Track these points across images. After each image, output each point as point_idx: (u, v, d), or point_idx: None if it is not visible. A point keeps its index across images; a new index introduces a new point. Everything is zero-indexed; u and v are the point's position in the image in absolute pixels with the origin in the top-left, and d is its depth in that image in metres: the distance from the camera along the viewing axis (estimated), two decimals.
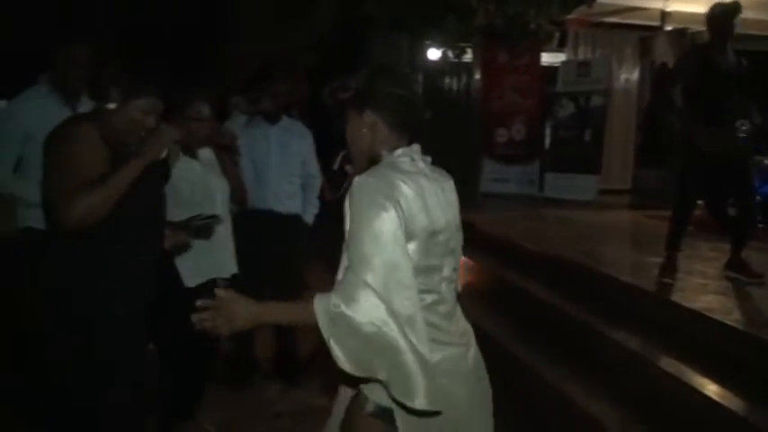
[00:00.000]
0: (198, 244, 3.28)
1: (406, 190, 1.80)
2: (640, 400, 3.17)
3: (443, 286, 1.94)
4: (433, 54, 8.42)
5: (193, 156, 3.40)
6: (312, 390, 4.37)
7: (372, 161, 1.93)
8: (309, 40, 7.21)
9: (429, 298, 1.89)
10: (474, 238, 5.57)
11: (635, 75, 9.28)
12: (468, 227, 5.71)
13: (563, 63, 8.74)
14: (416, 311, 1.74)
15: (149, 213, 2.63)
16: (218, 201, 3.47)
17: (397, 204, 1.75)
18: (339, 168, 2.46)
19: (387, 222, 1.73)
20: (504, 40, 8.09)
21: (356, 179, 1.80)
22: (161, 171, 2.73)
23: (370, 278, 1.70)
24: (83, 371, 2.48)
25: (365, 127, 1.94)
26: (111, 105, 2.45)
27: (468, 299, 4.72)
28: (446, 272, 1.95)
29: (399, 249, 1.74)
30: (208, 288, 3.45)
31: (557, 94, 8.37)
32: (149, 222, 2.64)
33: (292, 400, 4.22)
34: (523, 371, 3.76)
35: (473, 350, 2.03)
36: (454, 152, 8.13)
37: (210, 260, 3.44)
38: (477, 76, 8.59)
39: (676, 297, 3.69)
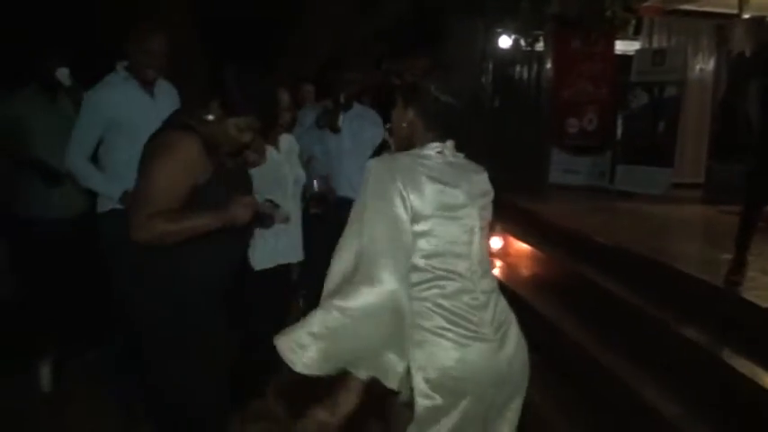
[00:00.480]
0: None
1: (419, 174, 1.91)
2: (709, 398, 3.15)
3: (473, 276, 1.99)
4: (505, 42, 8.38)
5: (273, 143, 3.49)
6: None
7: (409, 147, 2.06)
8: (381, 27, 7.24)
9: (450, 286, 1.94)
10: (542, 230, 5.59)
11: (710, 65, 9.00)
12: (536, 217, 5.72)
13: (637, 51, 8.52)
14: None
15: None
16: (290, 189, 3.56)
17: (403, 194, 1.87)
18: (382, 142, 2.56)
19: (392, 207, 1.86)
20: (578, 27, 7.99)
21: (369, 163, 1.94)
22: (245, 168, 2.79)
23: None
24: (169, 350, 2.59)
25: (405, 121, 2.07)
26: (210, 117, 2.52)
27: (537, 291, 4.78)
28: (475, 262, 2.00)
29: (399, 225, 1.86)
30: (275, 273, 3.58)
31: (630, 84, 8.20)
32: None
33: None
34: (591, 364, 3.75)
35: (509, 348, 2.03)
36: (523, 142, 8.11)
37: (278, 245, 3.55)
38: (549, 65, 8.51)
39: (747, 294, 3.62)
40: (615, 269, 4.45)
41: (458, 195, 1.98)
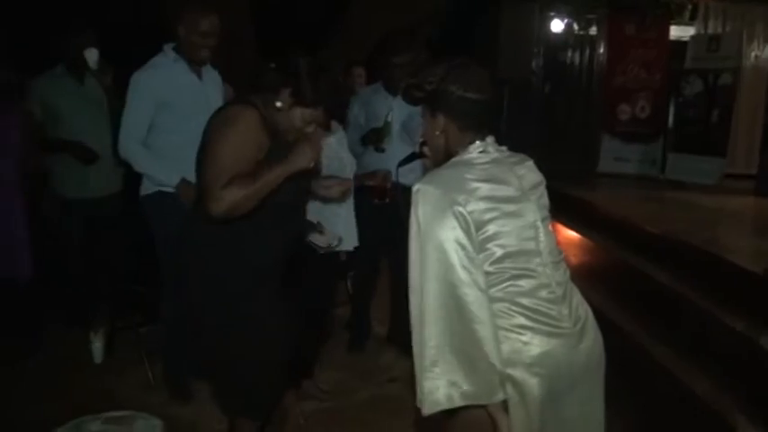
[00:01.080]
0: (322, 215, 3.43)
1: (469, 182, 1.89)
2: (758, 390, 3.11)
3: (546, 270, 1.94)
4: (557, 26, 8.28)
5: (328, 129, 3.52)
6: None
7: (449, 156, 2.02)
8: (431, 10, 7.22)
9: (527, 284, 1.91)
10: (591, 218, 5.55)
11: (766, 52, 8.80)
12: (586, 205, 5.67)
13: (692, 37, 8.32)
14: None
15: (293, 190, 2.73)
16: (349, 174, 3.61)
17: (459, 211, 1.84)
18: (418, 152, 2.55)
19: (449, 231, 1.84)
20: (633, 11, 7.86)
21: (417, 186, 1.89)
22: None
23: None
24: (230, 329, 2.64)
25: (438, 129, 2.02)
26: (279, 104, 2.56)
27: (585, 279, 4.74)
28: (545, 255, 1.96)
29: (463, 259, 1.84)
30: (326, 256, 3.62)
31: (684, 71, 8.04)
32: (293, 198, 2.74)
33: (405, 367, 4.34)
34: (640, 354, 3.73)
35: (588, 340, 2.01)
36: (574, 128, 8.03)
37: (334, 231, 3.58)
38: (602, 50, 8.39)
39: None
40: (664, 259, 4.40)
41: (511, 192, 1.94)
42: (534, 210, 1.98)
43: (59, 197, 4.48)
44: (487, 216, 1.87)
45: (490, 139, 2.03)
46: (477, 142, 2.00)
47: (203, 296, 2.68)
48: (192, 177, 3.11)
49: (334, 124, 3.67)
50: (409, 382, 4.05)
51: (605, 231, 5.18)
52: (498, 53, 4.37)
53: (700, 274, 4.07)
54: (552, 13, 8.10)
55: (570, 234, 5.61)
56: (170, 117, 3.57)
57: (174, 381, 3.90)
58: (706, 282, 3.98)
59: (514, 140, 5.71)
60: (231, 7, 5.97)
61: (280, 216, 2.64)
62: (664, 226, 4.82)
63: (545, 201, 2.09)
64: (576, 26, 8.19)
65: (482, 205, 1.87)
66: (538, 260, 1.94)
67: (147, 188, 3.73)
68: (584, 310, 2.07)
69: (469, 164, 1.96)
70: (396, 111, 4.30)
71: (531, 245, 1.93)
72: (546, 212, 2.06)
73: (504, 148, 2.07)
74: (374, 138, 4.20)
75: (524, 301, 1.89)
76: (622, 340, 3.90)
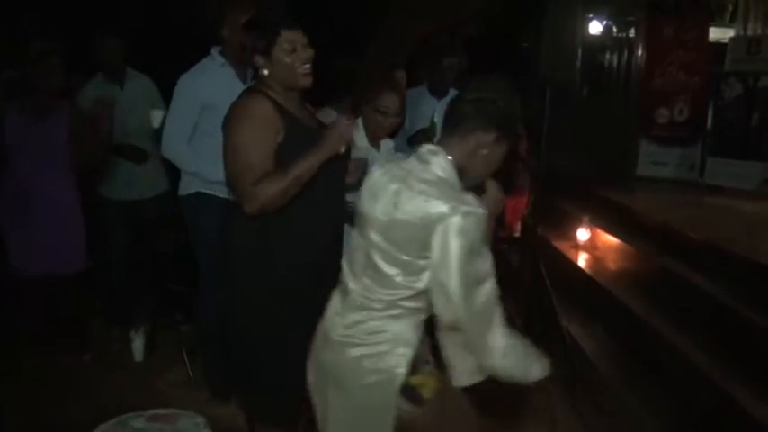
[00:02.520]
0: None
1: None
2: None
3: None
4: (595, 28, 8.21)
5: (375, 145, 3.54)
6: None
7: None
8: (472, 12, 7.20)
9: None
10: (629, 223, 5.49)
11: None
12: (624, 210, 5.62)
13: (732, 39, 8.16)
14: None
15: (331, 189, 2.75)
16: None
17: None
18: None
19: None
20: (673, 13, 7.77)
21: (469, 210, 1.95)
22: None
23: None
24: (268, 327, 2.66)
25: (486, 147, 2.11)
26: (265, 72, 2.64)
27: (624, 284, 4.71)
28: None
29: None
30: None
31: (723, 73, 7.91)
32: (331, 198, 2.76)
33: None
34: (679, 361, 3.69)
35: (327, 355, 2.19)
36: (611, 131, 7.95)
37: None
38: (640, 52, 8.30)
39: None
40: (703, 265, 4.34)
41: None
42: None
43: (105, 198, 4.58)
44: None
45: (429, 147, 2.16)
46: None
47: (236, 295, 2.71)
48: None
49: (384, 143, 3.68)
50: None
51: (644, 236, 5.12)
52: (541, 55, 4.34)
53: (738, 281, 4.01)
54: (591, 15, 8.03)
55: (608, 239, 5.57)
56: (213, 120, 3.57)
57: (214, 379, 3.95)
58: (745, 288, 3.92)
59: (553, 143, 5.68)
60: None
61: (318, 211, 2.65)
62: (704, 232, 4.76)
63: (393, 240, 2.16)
64: (614, 28, 8.11)
65: None
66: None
67: (185, 188, 3.80)
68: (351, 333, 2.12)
69: None
70: (440, 112, 4.31)
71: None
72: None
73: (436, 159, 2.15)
74: (422, 138, 4.22)
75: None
76: (662, 348, 3.87)
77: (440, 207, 1.92)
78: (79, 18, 6.99)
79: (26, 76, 4.06)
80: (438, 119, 4.23)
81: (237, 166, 2.56)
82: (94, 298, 4.86)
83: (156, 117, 4.06)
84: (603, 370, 4.06)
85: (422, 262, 1.98)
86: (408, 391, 2.11)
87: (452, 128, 2.10)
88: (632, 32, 8.19)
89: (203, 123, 3.65)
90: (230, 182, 2.68)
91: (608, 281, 4.91)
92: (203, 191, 3.68)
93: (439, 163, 2.03)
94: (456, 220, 1.89)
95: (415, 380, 2.12)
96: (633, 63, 8.26)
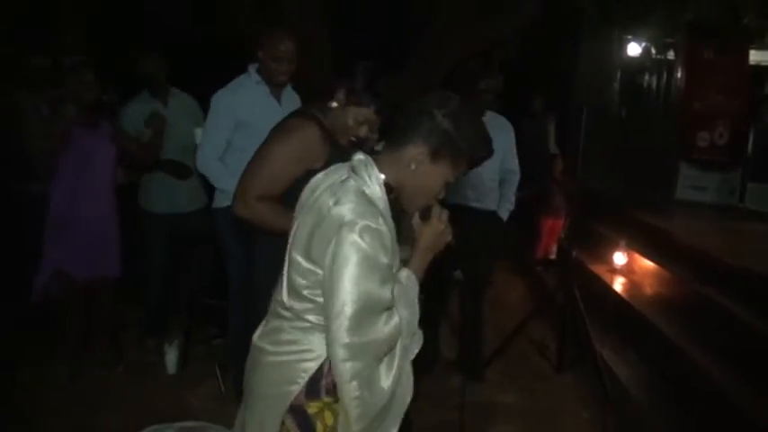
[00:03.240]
0: None
1: None
2: None
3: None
4: (634, 50, 8.16)
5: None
6: (494, 386, 4.46)
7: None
8: (508, 34, 7.18)
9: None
10: (667, 248, 5.42)
11: None
12: (662, 234, 5.54)
13: None
14: None
15: None
16: None
17: None
18: None
19: None
20: (712, 35, 7.68)
21: None
22: None
23: None
24: None
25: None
26: (333, 104, 2.61)
27: (660, 310, 4.64)
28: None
29: None
30: None
31: (764, 97, 7.79)
32: None
33: (472, 393, 4.31)
34: (714, 389, 3.62)
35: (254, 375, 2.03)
36: (650, 154, 7.86)
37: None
38: (679, 75, 8.22)
39: None
40: (743, 293, 4.27)
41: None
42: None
43: (146, 211, 4.67)
44: None
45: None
46: None
47: (258, 308, 2.73)
48: None
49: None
50: (475, 408, 4.06)
51: (682, 262, 5.06)
52: (577, 77, 4.33)
53: None
54: (629, 37, 7.98)
55: (645, 263, 5.50)
56: (246, 137, 3.63)
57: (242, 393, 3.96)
58: None
59: (590, 165, 5.62)
60: (309, 26, 6.06)
61: None
62: (743, 259, 4.68)
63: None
64: (653, 50, 8.04)
65: None
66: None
67: (218, 202, 3.86)
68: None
69: None
70: None
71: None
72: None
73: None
74: None
75: None
76: (696, 374, 3.80)
77: (344, 212, 1.74)
78: (119, 35, 7.15)
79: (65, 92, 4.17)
80: None
81: (258, 170, 2.60)
82: (129, 311, 4.92)
83: (199, 134, 4.13)
84: (636, 395, 3.99)
85: (320, 272, 1.79)
86: (300, 416, 1.89)
87: (388, 142, 1.95)
88: (671, 54, 8.11)
89: (236, 139, 3.72)
90: (240, 178, 2.71)
91: (643, 306, 4.84)
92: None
93: (366, 176, 1.85)
94: (353, 231, 1.70)
95: (313, 406, 1.88)
96: (672, 85, 8.18)
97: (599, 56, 4.96)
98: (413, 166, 1.86)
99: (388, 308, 1.78)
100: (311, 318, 1.85)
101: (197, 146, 4.01)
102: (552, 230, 7.37)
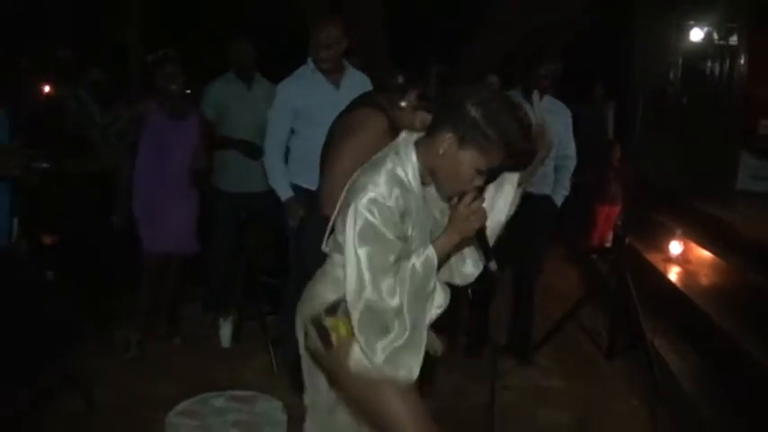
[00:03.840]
0: None
1: None
2: None
3: None
4: (696, 35, 7.94)
5: None
6: (543, 370, 4.47)
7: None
8: (565, 19, 7.10)
9: None
10: (726, 238, 5.32)
11: None
12: (721, 225, 5.43)
13: None
14: None
15: None
16: None
17: None
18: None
19: None
20: None
21: None
22: None
23: None
24: None
25: None
26: (403, 104, 2.63)
27: (716, 302, 4.57)
28: None
29: None
30: None
31: None
32: None
33: (522, 376, 4.33)
34: None
35: None
36: (710, 142, 7.67)
37: None
38: (742, 61, 7.98)
39: None
40: None
41: None
42: None
43: (218, 190, 4.83)
44: None
45: None
46: None
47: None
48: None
49: None
50: (525, 390, 4.07)
51: (739, 253, 4.95)
52: (636, 63, 4.24)
53: None
54: (691, 22, 7.78)
55: (701, 253, 5.41)
56: (304, 124, 3.81)
57: (294, 369, 4.04)
58: None
59: (649, 152, 5.52)
60: (366, 17, 6.09)
61: None
62: None
63: None
64: (715, 35, 7.83)
65: None
66: None
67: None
68: None
69: None
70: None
71: None
72: None
73: None
74: None
75: None
76: (750, 369, 3.74)
77: (367, 183, 1.98)
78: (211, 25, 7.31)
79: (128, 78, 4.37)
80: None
81: (336, 171, 2.62)
82: (186, 285, 5.06)
83: None
84: (686, 385, 3.95)
85: (339, 238, 2.09)
86: (320, 328, 2.16)
87: (428, 129, 2.11)
88: (734, 40, 7.88)
89: (298, 126, 3.84)
90: (321, 181, 2.76)
91: (698, 296, 4.77)
92: (295, 184, 3.83)
93: (403, 157, 2.06)
94: (363, 200, 1.95)
95: (330, 321, 2.13)
96: (735, 71, 7.93)
97: (660, 41, 4.82)
98: (441, 151, 2.00)
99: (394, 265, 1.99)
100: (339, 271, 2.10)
101: None
102: (608, 218, 7.29)
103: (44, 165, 2.97)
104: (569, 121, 4.47)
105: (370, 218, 1.93)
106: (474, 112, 1.94)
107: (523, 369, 4.41)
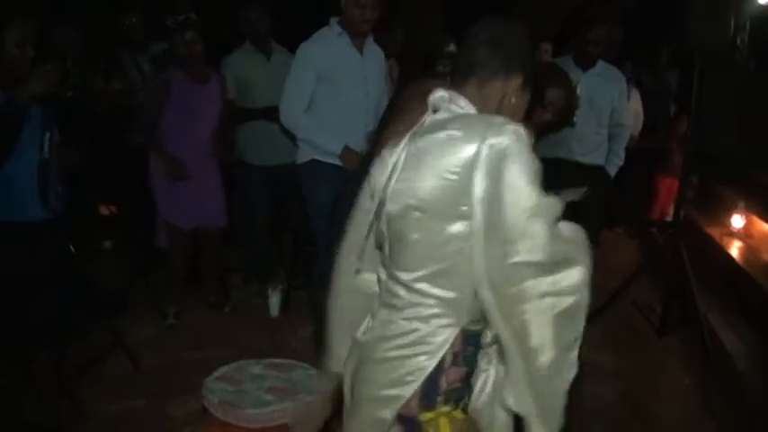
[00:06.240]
0: None
1: None
2: None
3: None
4: None
5: None
6: (592, 345, 4.37)
7: None
8: None
9: None
10: None
11: None
12: None
13: None
14: None
15: None
16: None
17: None
18: None
19: None
20: None
21: None
22: None
23: None
24: None
25: None
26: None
27: None
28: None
29: None
30: None
31: None
32: None
33: None
34: None
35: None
36: None
37: None
38: None
39: None
40: None
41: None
42: None
43: (247, 163, 4.81)
44: None
45: None
46: None
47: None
48: (352, 145, 3.22)
49: None
50: None
51: None
52: (691, 23, 4.02)
53: None
54: None
55: (764, 227, 5.21)
56: (327, 89, 3.68)
57: (320, 341, 4.05)
58: None
59: (710, 121, 5.29)
60: None
61: None
62: None
63: None
64: None
65: None
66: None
67: (302, 156, 3.87)
68: None
69: None
70: (583, 85, 4.17)
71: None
72: None
73: None
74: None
75: None
76: None
77: (469, 141, 1.47)
78: None
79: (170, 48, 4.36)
80: (581, 91, 4.09)
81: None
82: (238, 254, 5.13)
83: None
84: (740, 364, 3.80)
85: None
86: (410, 427, 1.58)
87: (465, 76, 1.66)
88: None
89: (318, 91, 3.71)
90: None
91: (758, 272, 4.58)
92: (318, 158, 3.76)
93: (458, 104, 1.63)
94: (498, 142, 1.45)
95: (426, 416, 1.57)
96: None
97: (725, 3, 4.57)
98: (512, 100, 1.68)
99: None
100: (438, 293, 1.54)
101: None
102: (670, 191, 7.05)
103: (75, 156, 3.04)
104: (623, 87, 4.34)
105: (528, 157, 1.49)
106: (526, 45, 1.68)
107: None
